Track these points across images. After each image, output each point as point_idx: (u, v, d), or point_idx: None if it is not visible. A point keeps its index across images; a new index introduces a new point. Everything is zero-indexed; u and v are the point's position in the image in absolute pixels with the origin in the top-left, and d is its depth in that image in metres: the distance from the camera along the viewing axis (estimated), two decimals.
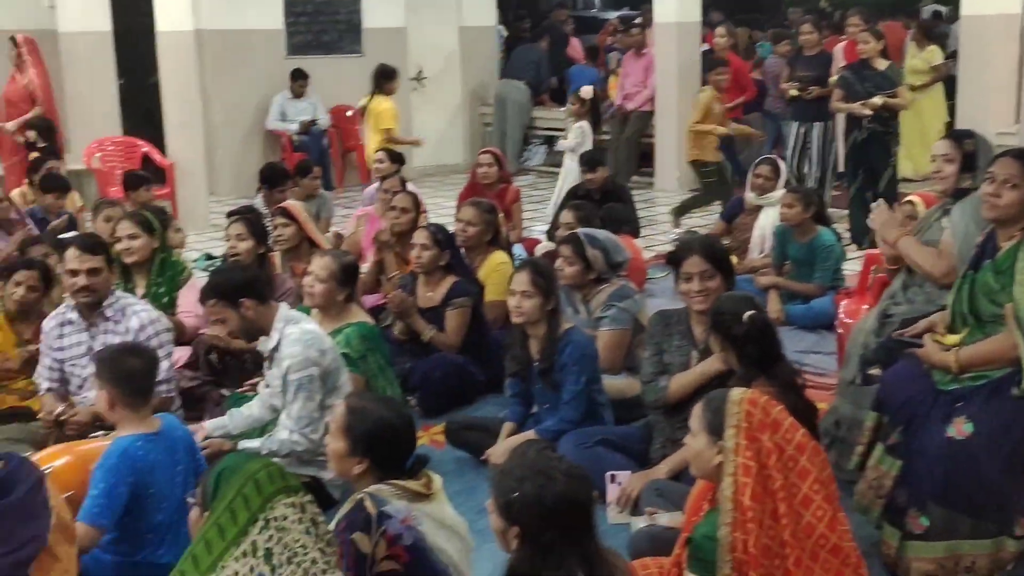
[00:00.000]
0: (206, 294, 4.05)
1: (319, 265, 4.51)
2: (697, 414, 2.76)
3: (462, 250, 5.60)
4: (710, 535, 2.65)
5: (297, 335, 3.93)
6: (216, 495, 2.31)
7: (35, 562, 2.63)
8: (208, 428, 4.09)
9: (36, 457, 3.42)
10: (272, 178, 7.16)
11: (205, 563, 2.21)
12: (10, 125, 8.54)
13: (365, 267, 5.98)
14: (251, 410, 4.15)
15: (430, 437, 4.64)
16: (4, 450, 2.87)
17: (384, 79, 9.09)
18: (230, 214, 5.94)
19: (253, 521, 2.23)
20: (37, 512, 2.68)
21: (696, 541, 2.70)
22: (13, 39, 8.87)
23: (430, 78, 12.16)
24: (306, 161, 8.05)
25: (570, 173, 8.29)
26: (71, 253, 4.32)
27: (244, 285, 3.98)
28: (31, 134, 8.30)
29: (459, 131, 12.43)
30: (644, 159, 11.13)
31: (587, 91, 8.79)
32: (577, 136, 8.46)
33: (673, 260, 4.36)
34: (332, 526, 2.55)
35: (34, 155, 8.10)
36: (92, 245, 4.39)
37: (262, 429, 4.11)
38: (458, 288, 5.20)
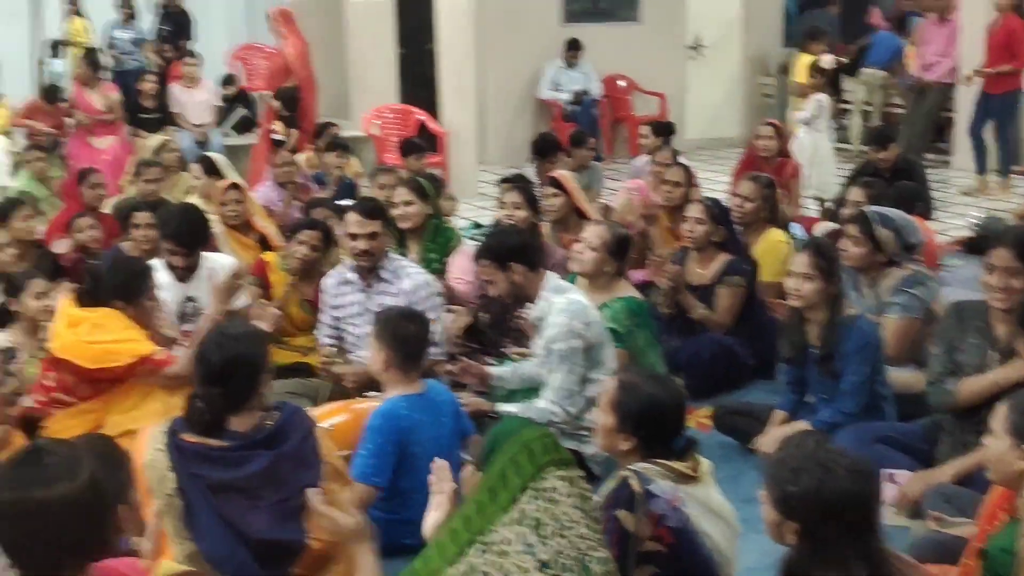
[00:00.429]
0: (480, 253, 4.14)
1: (593, 233, 4.45)
2: (1001, 414, 2.54)
3: (737, 226, 5.39)
4: (1008, 548, 2.45)
5: (563, 305, 3.93)
6: (490, 458, 2.31)
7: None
8: (494, 372, 4.22)
9: (315, 413, 3.56)
10: (544, 149, 7.19)
11: (476, 525, 2.23)
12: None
13: None
14: (527, 370, 4.20)
15: (696, 420, 4.50)
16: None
17: (808, 39, 8.98)
18: (503, 181, 5.98)
19: (524, 489, 2.24)
20: (309, 460, 2.80)
21: (991, 554, 2.51)
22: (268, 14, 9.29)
23: (708, 46, 11.83)
24: (580, 132, 8.05)
25: (805, 146, 8.06)
26: (352, 217, 4.47)
27: (517, 250, 4.03)
28: (276, 104, 8.68)
29: (736, 102, 12.02)
30: (937, 134, 10.38)
31: (828, 60, 8.41)
32: (814, 108, 8.22)
33: (975, 247, 3.98)
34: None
35: (277, 123, 8.49)
36: (372, 210, 4.53)
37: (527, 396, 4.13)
38: (732, 266, 5.02)
